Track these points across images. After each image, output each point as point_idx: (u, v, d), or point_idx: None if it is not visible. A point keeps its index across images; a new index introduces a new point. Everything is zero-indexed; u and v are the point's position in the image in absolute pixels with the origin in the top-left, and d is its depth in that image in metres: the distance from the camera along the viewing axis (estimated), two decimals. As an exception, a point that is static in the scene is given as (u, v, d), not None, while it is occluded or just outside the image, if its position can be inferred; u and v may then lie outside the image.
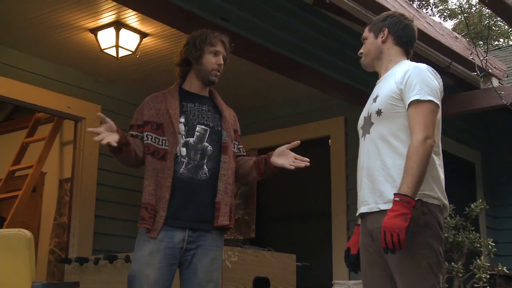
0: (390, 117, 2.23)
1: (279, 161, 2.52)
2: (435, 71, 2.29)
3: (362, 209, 2.27)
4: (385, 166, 2.20)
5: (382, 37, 2.38)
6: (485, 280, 4.02)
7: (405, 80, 2.21)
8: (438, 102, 2.20)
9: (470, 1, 16.63)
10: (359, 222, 2.38)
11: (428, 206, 2.14)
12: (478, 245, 4.21)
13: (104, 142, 2.26)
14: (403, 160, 2.14)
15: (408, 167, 2.09)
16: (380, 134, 2.25)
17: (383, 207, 2.16)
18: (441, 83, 2.28)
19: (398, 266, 2.12)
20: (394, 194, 2.08)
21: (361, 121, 2.39)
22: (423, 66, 2.28)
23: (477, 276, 4.02)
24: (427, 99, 2.17)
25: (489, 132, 6.35)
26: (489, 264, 4.20)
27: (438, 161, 2.23)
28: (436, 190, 2.19)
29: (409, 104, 2.18)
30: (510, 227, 6.01)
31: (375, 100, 2.31)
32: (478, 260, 4.09)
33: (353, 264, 2.38)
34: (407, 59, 2.41)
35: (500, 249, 4.94)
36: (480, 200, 4.37)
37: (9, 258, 2.34)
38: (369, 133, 2.29)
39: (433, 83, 2.22)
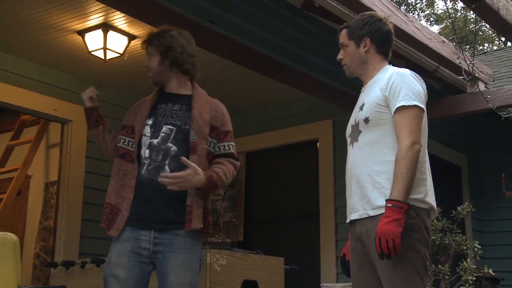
0: (377, 125, 2.25)
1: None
2: (418, 76, 2.31)
3: (352, 216, 2.29)
4: (373, 173, 2.22)
5: (365, 46, 2.37)
6: (471, 282, 4.05)
7: (389, 87, 2.23)
8: (423, 107, 2.22)
9: (455, 6, 16.81)
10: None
11: (415, 209, 2.16)
12: (465, 248, 4.24)
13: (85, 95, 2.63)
14: (390, 167, 2.17)
15: (397, 172, 2.12)
16: (368, 141, 2.27)
17: (372, 213, 2.19)
18: (425, 87, 2.30)
19: (384, 269, 2.14)
20: (386, 200, 2.10)
21: (349, 129, 2.41)
22: (406, 72, 2.29)
23: (463, 278, 4.05)
24: (412, 104, 2.19)
25: (475, 135, 6.40)
26: (475, 267, 4.24)
27: (425, 164, 2.25)
28: (423, 194, 2.20)
29: (395, 111, 2.20)
30: (496, 230, 6.07)
31: (361, 108, 2.32)
32: (465, 263, 4.12)
33: (349, 269, 2.39)
34: (388, 61, 2.43)
35: (485, 252, 4.97)
36: (467, 203, 4.41)
37: (-5, 262, 2.31)
38: (357, 141, 2.31)
39: (417, 88, 2.24)
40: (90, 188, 4.92)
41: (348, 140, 2.39)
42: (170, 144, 2.47)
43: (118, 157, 2.52)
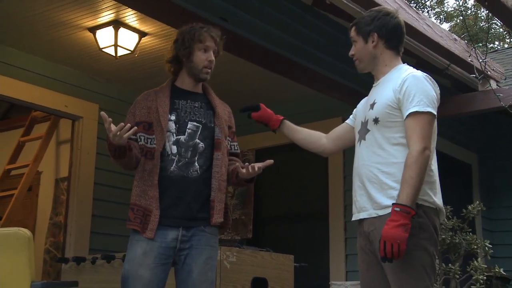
0: (386, 126, 2.25)
1: (243, 172, 2.48)
2: (432, 79, 2.29)
3: (361, 215, 2.29)
4: (380, 174, 2.22)
5: (373, 41, 2.35)
6: (481, 281, 4.04)
7: (404, 90, 2.22)
8: (435, 113, 2.22)
9: (466, 4, 16.70)
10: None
11: (424, 208, 2.16)
12: (475, 247, 4.22)
13: (125, 135, 2.26)
14: (398, 169, 2.17)
15: (407, 177, 2.11)
16: (375, 141, 2.26)
17: (381, 212, 2.19)
18: (438, 91, 2.29)
19: (392, 267, 2.13)
20: (394, 204, 2.10)
21: (358, 125, 2.40)
22: (420, 75, 2.27)
23: (474, 277, 4.04)
24: (426, 110, 2.18)
25: (486, 134, 6.37)
26: (485, 266, 4.21)
27: (432, 167, 2.25)
28: (431, 195, 2.21)
29: (407, 115, 2.19)
30: (506, 229, 6.04)
31: (372, 106, 2.31)
32: (475, 262, 4.11)
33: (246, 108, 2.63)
34: (400, 58, 2.41)
35: (496, 251, 4.95)
36: (477, 202, 4.39)
37: (8, 257, 2.32)
38: (365, 139, 2.31)
39: (431, 93, 2.23)
40: (100, 184, 4.95)
41: (357, 136, 2.39)
42: (197, 141, 2.50)
43: (142, 156, 2.46)
